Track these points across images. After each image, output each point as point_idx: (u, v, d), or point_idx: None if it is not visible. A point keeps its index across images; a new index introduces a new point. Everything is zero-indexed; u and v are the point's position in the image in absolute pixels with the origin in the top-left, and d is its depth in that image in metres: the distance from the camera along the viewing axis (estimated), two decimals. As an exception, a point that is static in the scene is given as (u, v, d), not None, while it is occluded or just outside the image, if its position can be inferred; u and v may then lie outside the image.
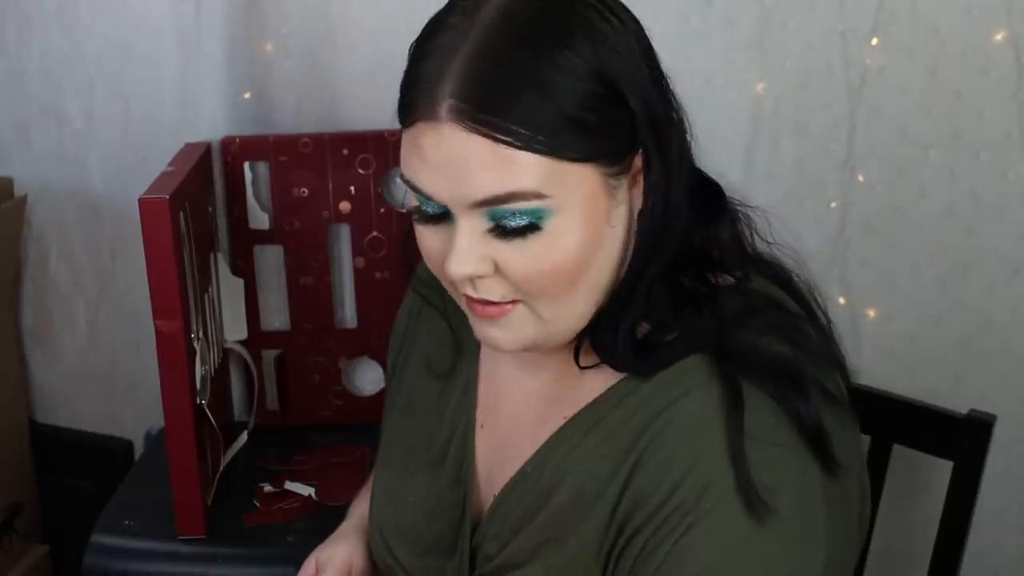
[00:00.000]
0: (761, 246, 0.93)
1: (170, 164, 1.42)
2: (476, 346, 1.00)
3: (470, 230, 0.80)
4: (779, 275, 0.92)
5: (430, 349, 1.04)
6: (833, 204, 1.51)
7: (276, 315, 1.65)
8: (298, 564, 1.37)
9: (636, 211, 0.84)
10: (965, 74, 1.44)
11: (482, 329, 0.86)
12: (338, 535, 1.11)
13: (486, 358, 1.00)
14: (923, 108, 1.46)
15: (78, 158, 1.74)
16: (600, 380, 0.88)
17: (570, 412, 0.89)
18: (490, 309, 0.83)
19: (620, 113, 0.80)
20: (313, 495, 1.47)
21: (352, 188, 1.58)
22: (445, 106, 0.77)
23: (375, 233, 1.60)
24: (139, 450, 1.82)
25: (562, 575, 0.86)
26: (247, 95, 1.64)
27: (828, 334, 0.90)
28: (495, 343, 0.86)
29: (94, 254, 1.79)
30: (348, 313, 1.65)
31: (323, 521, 1.42)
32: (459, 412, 0.99)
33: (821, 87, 1.48)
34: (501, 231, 0.79)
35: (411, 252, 0.90)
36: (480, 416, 0.98)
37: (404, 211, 1.59)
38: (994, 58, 1.42)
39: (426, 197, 0.81)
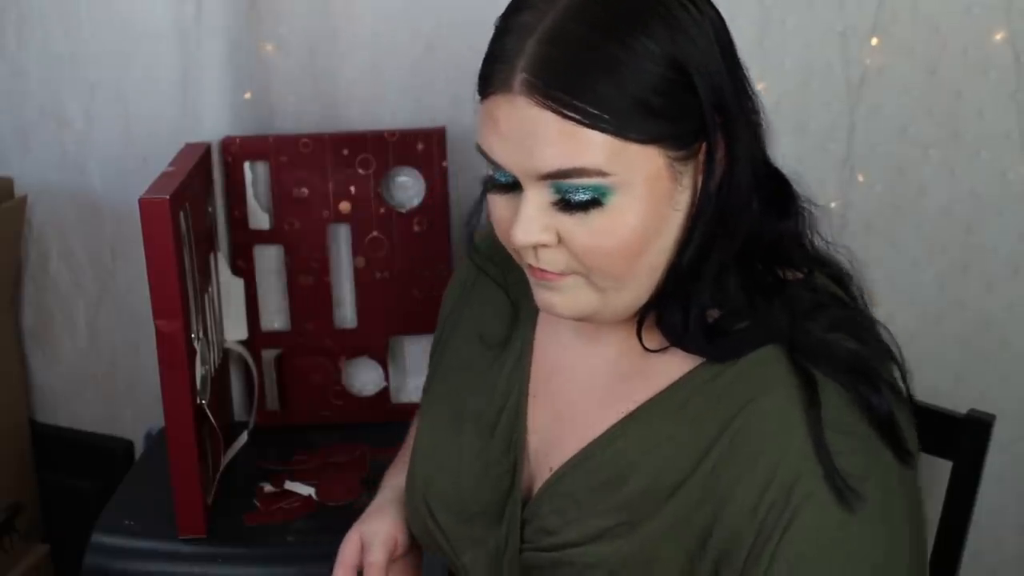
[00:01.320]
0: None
1: (170, 164, 1.42)
2: (534, 316, 1.01)
3: (536, 200, 0.83)
4: (839, 274, 0.93)
5: (483, 318, 1.05)
6: (833, 204, 1.51)
7: (276, 315, 1.65)
8: (298, 564, 1.38)
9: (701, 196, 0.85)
10: (965, 74, 1.44)
11: (541, 294, 0.89)
12: (378, 509, 1.10)
13: (543, 329, 1.00)
14: (923, 107, 1.46)
15: (78, 159, 1.74)
16: (674, 364, 0.89)
17: (643, 395, 0.90)
18: (549, 273, 0.86)
19: (689, 99, 0.81)
20: (313, 495, 1.47)
21: (352, 188, 1.58)
22: (519, 80, 0.80)
23: (375, 233, 1.60)
24: (139, 450, 1.82)
25: (629, 560, 0.87)
26: (247, 95, 1.64)
27: (885, 332, 0.92)
28: (553, 308, 0.88)
29: (94, 254, 1.79)
30: (348, 313, 1.65)
31: (323, 521, 1.43)
32: (512, 381, 1.00)
33: (821, 86, 1.48)
34: (565, 204, 0.82)
35: (474, 224, 0.94)
36: (533, 387, 0.99)
37: (404, 211, 1.60)
38: (994, 58, 1.43)
39: (497, 167, 0.84)
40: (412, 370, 1.68)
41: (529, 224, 0.83)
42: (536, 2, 0.82)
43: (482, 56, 0.84)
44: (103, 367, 1.84)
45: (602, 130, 0.79)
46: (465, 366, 1.05)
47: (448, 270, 1.61)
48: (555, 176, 0.80)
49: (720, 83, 0.82)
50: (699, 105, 0.81)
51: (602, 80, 0.78)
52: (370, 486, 1.49)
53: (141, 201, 1.26)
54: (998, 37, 1.42)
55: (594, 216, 0.82)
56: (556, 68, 0.79)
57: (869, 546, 0.82)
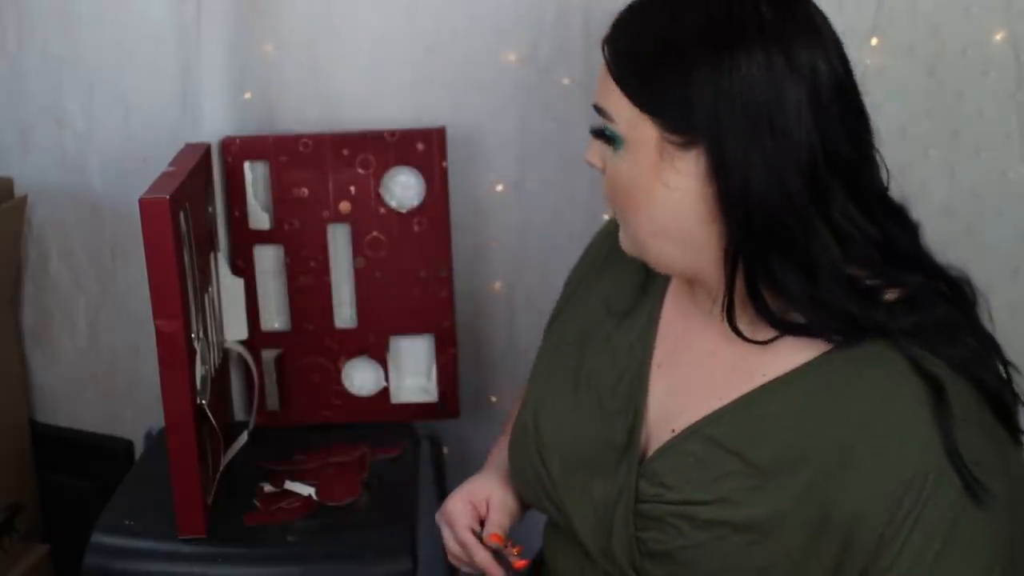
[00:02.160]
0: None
1: (170, 164, 1.42)
2: (662, 291, 1.10)
3: (595, 129, 0.99)
4: (955, 281, 0.98)
5: (613, 287, 1.14)
6: (833, 204, 1.51)
7: (276, 315, 1.65)
8: (298, 564, 1.38)
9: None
10: (965, 74, 1.44)
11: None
12: (495, 474, 1.18)
13: (670, 304, 1.08)
14: (923, 107, 1.46)
15: (78, 159, 1.74)
16: (803, 345, 0.95)
17: (772, 371, 0.96)
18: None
19: (685, 105, 0.90)
20: (313, 495, 1.47)
21: (352, 188, 1.58)
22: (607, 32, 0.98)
23: (375, 233, 1.60)
24: (139, 450, 1.82)
25: (753, 525, 0.93)
26: (247, 95, 1.64)
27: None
28: (620, 241, 1.03)
29: (94, 254, 1.79)
30: (348, 313, 1.65)
31: (323, 521, 1.43)
32: (636, 348, 1.07)
33: (821, 87, 1.48)
34: (601, 132, 0.98)
35: None
36: (658, 356, 1.06)
37: (404, 211, 1.60)
38: (994, 58, 1.43)
39: None
40: (412, 370, 1.68)
41: (591, 144, 1.00)
42: None
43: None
44: (103, 367, 1.84)
45: (619, 86, 0.94)
46: (590, 331, 1.12)
47: (448, 270, 1.61)
48: (596, 108, 0.97)
49: (727, 104, 0.89)
50: (691, 112, 0.90)
51: (630, 47, 0.95)
52: (370, 486, 1.50)
53: (141, 201, 1.26)
54: (998, 37, 1.42)
55: (610, 155, 0.97)
56: (617, 31, 0.96)
57: (996, 536, 0.89)
